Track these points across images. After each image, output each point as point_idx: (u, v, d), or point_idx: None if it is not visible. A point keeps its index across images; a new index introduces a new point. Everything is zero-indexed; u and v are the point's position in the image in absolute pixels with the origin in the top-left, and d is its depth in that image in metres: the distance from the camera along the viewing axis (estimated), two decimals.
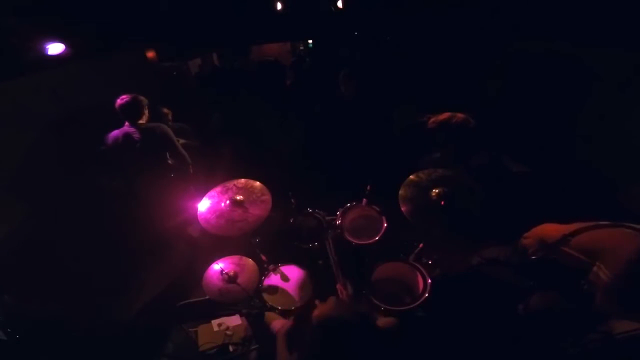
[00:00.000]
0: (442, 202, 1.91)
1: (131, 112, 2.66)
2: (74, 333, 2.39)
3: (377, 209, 2.49)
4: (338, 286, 2.00)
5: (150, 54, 4.54)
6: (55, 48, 2.77)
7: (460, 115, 2.76)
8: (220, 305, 2.24)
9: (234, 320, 2.35)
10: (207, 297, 2.11)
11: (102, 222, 3.10)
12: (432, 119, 2.85)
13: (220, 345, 2.23)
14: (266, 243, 2.41)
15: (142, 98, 2.72)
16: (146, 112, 2.75)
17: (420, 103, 3.11)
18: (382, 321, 1.45)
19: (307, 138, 3.28)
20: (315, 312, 1.27)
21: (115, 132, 2.70)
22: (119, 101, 2.63)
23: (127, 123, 2.68)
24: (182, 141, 3.08)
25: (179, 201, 2.85)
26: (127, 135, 2.67)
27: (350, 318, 1.22)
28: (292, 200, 2.57)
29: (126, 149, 2.67)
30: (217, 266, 2.13)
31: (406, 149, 3.02)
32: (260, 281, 2.22)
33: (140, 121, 2.72)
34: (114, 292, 2.79)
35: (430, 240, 2.30)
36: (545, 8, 3.21)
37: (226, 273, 2.07)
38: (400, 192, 2.01)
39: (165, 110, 3.41)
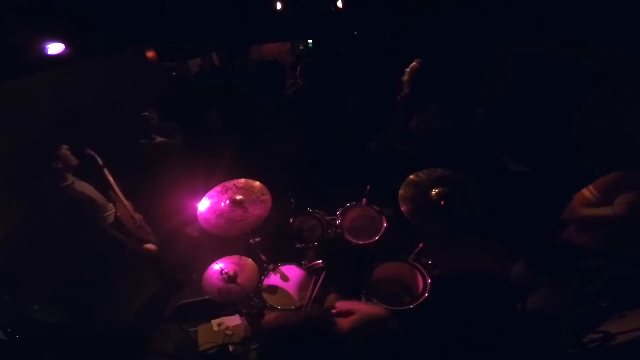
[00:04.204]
0: (442, 202, 1.91)
1: (36, 166, 2.09)
2: (74, 333, 2.39)
3: (377, 209, 2.49)
4: None
5: (150, 54, 4.54)
6: (55, 48, 2.77)
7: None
8: (220, 305, 2.24)
9: (234, 320, 2.35)
10: (207, 297, 2.10)
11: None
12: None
13: (220, 345, 2.23)
14: (266, 243, 2.41)
15: (48, 146, 2.12)
16: (63, 164, 2.14)
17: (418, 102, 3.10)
18: (344, 322, 1.14)
19: (306, 138, 3.30)
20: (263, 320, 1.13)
21: None
22: None
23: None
24: (159, 139, 3.10)
25: (177, 203, 2.83)
26: (44, 199, 2.18)
27: (298, 325, 1.08)
28: (292, 200, 2.57)
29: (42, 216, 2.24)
30: (217, 266, 2.12)
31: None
32: (260, 281, 2.22)
33: (65, 182, 2.15)
34: (114, 292, 2.78)
35: (430, 240, 2.31)
36: (545, 7, 3.21)
37: (226, 273, 2.07)
38: (400, 192, 2.01)
39: (148, 114, 3.31)
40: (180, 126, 3.64)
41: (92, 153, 2.39)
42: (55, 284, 2.59)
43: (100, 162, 2.45)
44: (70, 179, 2.24)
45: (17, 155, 2.13)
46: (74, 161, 2.22)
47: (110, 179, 2.50)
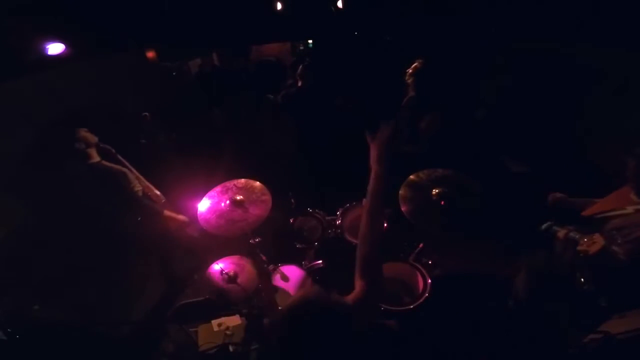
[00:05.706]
0: (442, 202, 1.91)
1: (59, 148, 2.29)
2: (73, 333, 2.39)
3: None
4: None
5: (150, 54, 4.54)
6: (55, 48, 2.76)
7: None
8: (220, 305, 2.23)
9: (234, 320, 2.34)
10: (207, 297, 2.11)
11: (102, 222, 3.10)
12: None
13: (220, 345, 2.23)
14: (266, 243, 2.42)
15: (66, 129, 2.29)
16: (85, 143, 2.30)
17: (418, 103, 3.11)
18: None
19: (304, 137, 3.31)
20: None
21: None
22: None
23: None
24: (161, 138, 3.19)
25: (176, 202, 2.83)
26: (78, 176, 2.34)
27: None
28: (292, 200, 2.57)
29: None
30: (217, 266, 2.13)
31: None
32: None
33: (91, 160, 2.31)
34: (114, 292, 2.78)
35: (430, 240, 2.31)
36: (545, 7, 3.22)
37: (226, 273, 2.07)
38: (400, 192, 2.02)
39: (147, 114, 3.38)
40: (181, 126, 3.65)
41: (106, 145, 2.46)
42: (56, 284, 2.59)
43: (114, 151, 2.51)
44: (96, 156, 2.34)
45: (39, 139, 2.30)
46: (93, 138, 2.33)
47: (127, 163, 2.56)
